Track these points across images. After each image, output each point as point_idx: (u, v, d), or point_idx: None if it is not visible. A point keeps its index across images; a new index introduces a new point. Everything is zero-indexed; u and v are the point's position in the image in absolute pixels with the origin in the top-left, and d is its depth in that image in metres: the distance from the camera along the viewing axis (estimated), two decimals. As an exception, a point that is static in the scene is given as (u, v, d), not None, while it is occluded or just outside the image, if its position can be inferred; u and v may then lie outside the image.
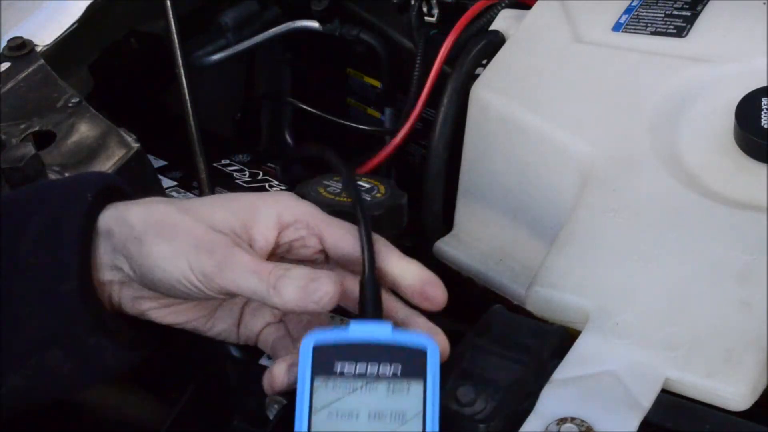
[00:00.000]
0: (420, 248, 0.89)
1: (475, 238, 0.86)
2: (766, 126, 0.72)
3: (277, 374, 0.62)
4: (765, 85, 0.74)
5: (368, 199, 0.76)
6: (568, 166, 0.79)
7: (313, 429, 0.56)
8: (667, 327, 0.65)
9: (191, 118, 1.00)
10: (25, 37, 0.95)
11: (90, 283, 0.61)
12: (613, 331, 0.65)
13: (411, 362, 0.58)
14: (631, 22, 0.87)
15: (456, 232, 0.89)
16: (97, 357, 0.63)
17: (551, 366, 0.63)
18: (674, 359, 0.62)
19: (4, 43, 0.94)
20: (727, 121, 0.74)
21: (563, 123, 0.81)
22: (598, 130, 0.79)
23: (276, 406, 0.66)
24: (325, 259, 0.65)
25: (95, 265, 0.62)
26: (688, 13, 0.86)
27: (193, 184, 1.01)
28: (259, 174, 1.05)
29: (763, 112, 0.72)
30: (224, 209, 0.63)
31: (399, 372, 0.58)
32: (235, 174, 1.05)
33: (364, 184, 0.77)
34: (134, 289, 0.63)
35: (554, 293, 0.70)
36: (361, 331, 0.59)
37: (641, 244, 0.70)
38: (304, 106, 1.25)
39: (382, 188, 0.77)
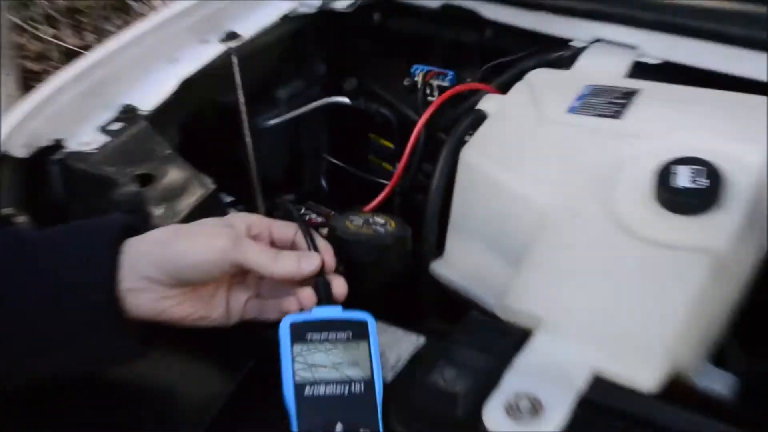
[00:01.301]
0: (420, 268, 0.91)
1: (461, 263, 0.88)
2: (678, 186, 0.73)
3: (304, 261, 0.67)
4: (679, 156, 0.76)
5: (382, 231, 0.78)
6: (530, 212, 0.80)
7: (296, 379, 0.60)
8: (598, 329, 0.67)
9: (252, 166, 1.03)
10: (134, 104, 0.98)
11: (115, 295, 0.63)
12: (558, 332, 0.67)
13: (358, 330, 0.63)
14: (582, 107, 0.88)
15: (446, 258, 0.90)
16: (113, 350, 0.65)
17: (512, 356, 0.65)
18: (602, 353, 0.65)
19: (119, 108, 0.97)
20: (650, 182, 0.75)
21: (528, 181, 0.83)
22: (554, 187, 0.81)
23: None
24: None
25: (124, 277, 0.63)
26: (624, 101, 0.87)
27: (252, 215, 1.03)
28: (301, 209, 1.07)
29: (677, 177, 0.74)
30: (213, 221, 0.70)
31: (349, 336, 0.63)
32: (278, 203, 1.08)
33: (380, 220, 0.79)
34: (157, 292, 0.64)
35: (518, 304, 0.72)
36: (321, 312, 0.64)
37: (582, 270, 0.73)
38: (335, 161, 1.29)
39: (393, 223, 0.79)
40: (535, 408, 0.60)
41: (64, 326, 0.63)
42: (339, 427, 0.60)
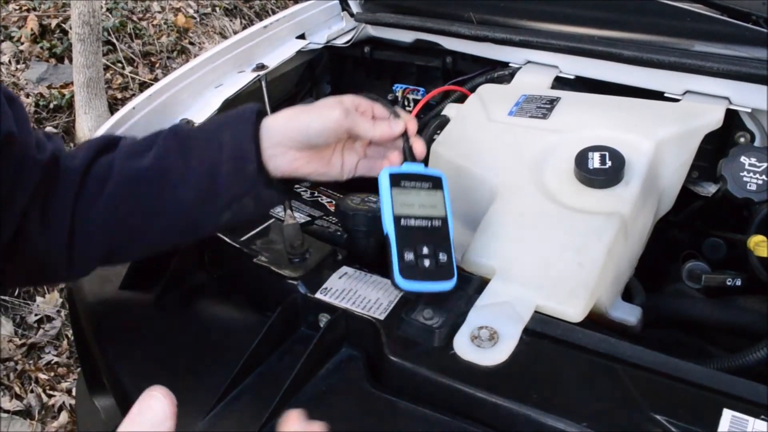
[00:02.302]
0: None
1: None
2: (591, 167, 0.72)
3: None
4: (591, 145, 0.74)
5: (374, 207, 0.74)
6: (484, 188, 0.78)
7: (394, 212, 0.59)
8: (537, 276, 0.64)
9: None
10: (190, 118, 0.95)
11: (261, 162, 0.62)
12: (508, 278, 0.65)
13: (435, 181, 0.63)
14: (518, 111, 0.87)
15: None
16: (266, 200, 0.64)
17: (475, 298, 0.63)
18: (541, 294, 0.62)
19: (178, 120, 0.95)
20: (570, 164, 0.74)
21: (481, 165, 0.81)
22: (500, 169, 0.79)
23: (324, 318, 0.65)
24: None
25: (265, 147, 0.62)
26: (549, 106, 0.86)
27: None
28: (315, 192, 1.03)
29: (590, 160, 0.73)
30: (327, 100, 0.65)
31: (430, 186, 0.62)
32: (300, 191, 1.04)
33: (373, 199, 0.76)
34: (290, 156, 0.63)
35: (477, 258, 0.69)
36: (409, 167, 0.63)
37: (523, 231, 0.70)
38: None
39: None
40: (493, 337, 0.58)
41: (228, 190, 0.62)
42: (425, 249, 0.59)
